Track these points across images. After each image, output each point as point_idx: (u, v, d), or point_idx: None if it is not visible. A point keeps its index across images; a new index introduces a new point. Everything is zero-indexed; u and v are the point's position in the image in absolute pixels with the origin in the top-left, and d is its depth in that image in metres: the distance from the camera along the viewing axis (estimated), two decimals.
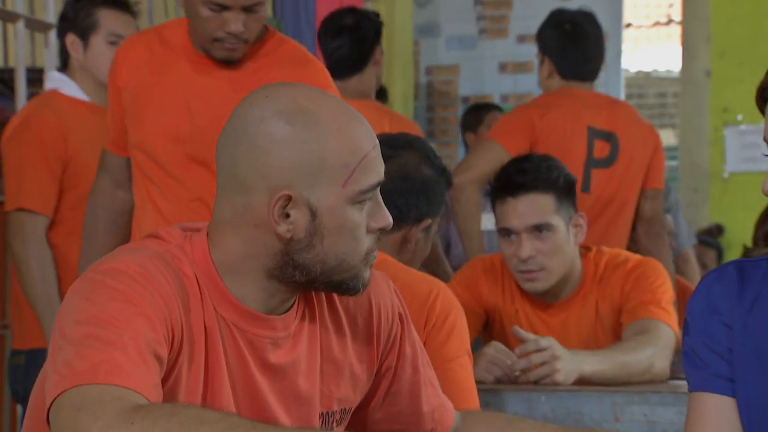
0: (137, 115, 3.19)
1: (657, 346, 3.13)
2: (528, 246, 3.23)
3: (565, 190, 3.30)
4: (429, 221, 2.90)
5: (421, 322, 2.61)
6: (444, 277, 4.05)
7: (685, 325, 1.75)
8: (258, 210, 1.77)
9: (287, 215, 1.76)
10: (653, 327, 3.18)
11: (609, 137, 4.38)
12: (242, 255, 1.80)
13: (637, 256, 3.48)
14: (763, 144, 1.64)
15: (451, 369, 2.59)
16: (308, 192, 1.76)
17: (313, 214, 1.77)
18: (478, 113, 6.46)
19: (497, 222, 3.32)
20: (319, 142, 1.77)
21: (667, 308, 3.24)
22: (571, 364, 3.01)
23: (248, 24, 3.05)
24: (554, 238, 3.26)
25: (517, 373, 3.03)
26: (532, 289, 3.33)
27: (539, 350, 3.00)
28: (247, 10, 3.03)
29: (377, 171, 1.83)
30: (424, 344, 2.60)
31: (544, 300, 3.38)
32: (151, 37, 3.26)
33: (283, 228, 1.76)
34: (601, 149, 4.36)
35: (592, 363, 3.04)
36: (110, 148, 3.34)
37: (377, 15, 4.65)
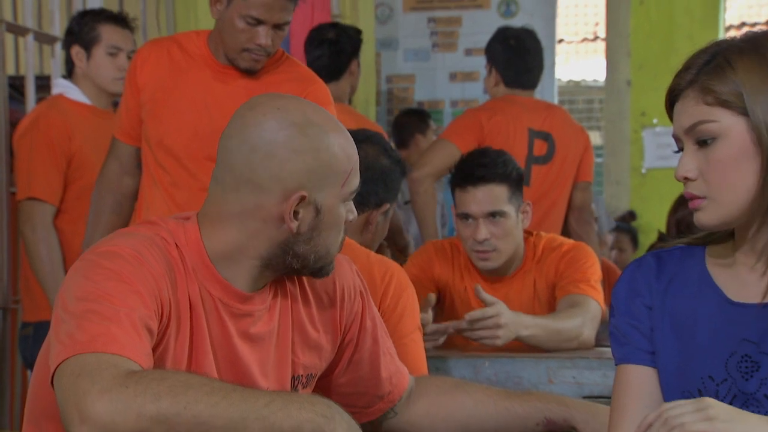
0: (156, 112, 3.16)
1: (585, 317, 3.15)
2: (484, 230, 3.24)
3: (516, 182, 3.31)
4: (387, 206, 2.90)
5: (376, 304, 2.61)
6: (405, 245, 4.07)
7: (611, 309, 1.76)
8: (269, 208, 1.78)
9: (296, 213, 1.78)
10: (583, 301, 3.20)
11: (546, 137, 4.40)
12: (241, 245, 1.80)
13: (571, 241, 3.51)
14: (675, 144, 1.65)
15: (405, 344, 2.59)
16: (316, 193, 1.79)
17: (317, 211, 1.80)
18: (419, 117, 6.44)
19: (457, 207, 3.33)
20: (326, 151, 1.79)
21: (595, 286, 3.27)
22: (510, 330, 3.01)
23: (274, 39, 3.08)
24: (506, 223, 3.27)
25: (450, 330, 3.07)
26: (484, 267, 3.33)
27: (485, 318, 3.00)
28: (276, 27, 3.06)
29: (359, 174, 1.87)
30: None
31: (491, 276, 3.39)
32: (170, 44, 3.24)
33: (293, 224, 1.77)
34: (539, 148, 4.39)
35: (530, 327, 3.04)
36: (122, 137, 3.30)
37: (358, 32, 4.64)
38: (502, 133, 4.28)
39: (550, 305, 3.34)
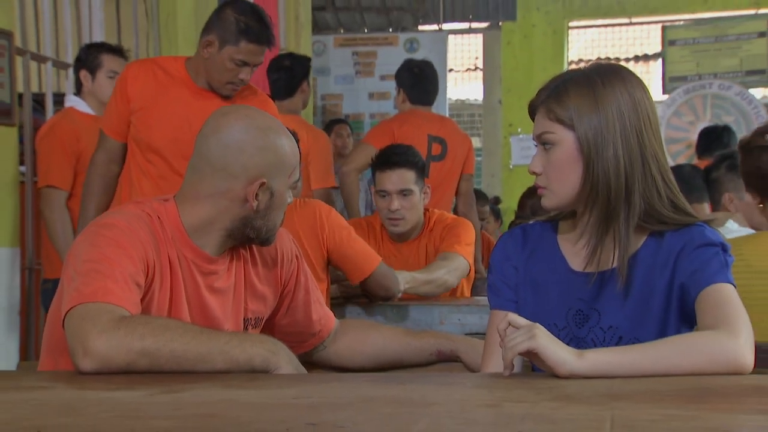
0: (144, 119, 3.08)
1: (449, 268, 3.23)
2: (396, 203, 3.30)
3: (421, 169, 3.38)
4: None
5: (319, 235, 2.80)
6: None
7: (489, 268, 1.78)
8: (237, 190, 1.77)
9: (256, 195, 1.77)
10: (451, 256, 3.27)
11: (441, 141, 4.45)
12: (212, 219, 1.79)
13: (455, 217, 3.57)
14: (533, 146, 1.67)
15: (352, 247, 2.80)
16: (272, 181, 1.78)
17: (272, 195, 1.79)
18: (328, 125, 6.45)
19: (376, 185, 3.38)
20: (281, 149, 1.79)
21: (464, 247, 3.33)
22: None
23: (250, 75, 3.07)
24: (413, 199, 3.33)
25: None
26: (394, 231, 3.39)
27: None
28: (254, 66, 3.05)
29: (299, 169, 1.87)
30: (329, 248, 2.82)
31: (398, 241, 3.43)
32: (154, 66, 3.15)
33: (254, 203, 1.77)
34: (436, 149, 4.43)
35: (408, 282, 3.10)
36: (111, 134, 3.16)
37: (308, 59, 4.61)
38: (408, 137, 4.31)
39: None
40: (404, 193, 3.29)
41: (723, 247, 1.57)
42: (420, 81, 4.55)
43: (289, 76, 4.38)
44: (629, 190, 1.57)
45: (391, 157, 3.33)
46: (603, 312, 1.62)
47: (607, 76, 1.60)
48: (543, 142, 1.62)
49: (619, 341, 1.60)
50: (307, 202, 2.82)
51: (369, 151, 4.28)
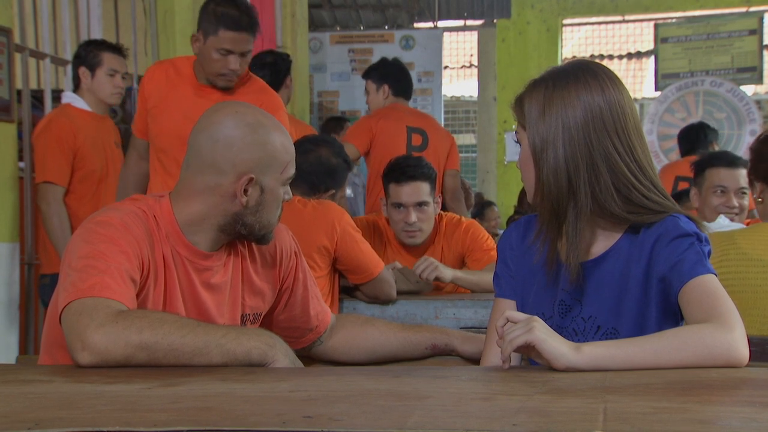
0: (155, 117, 3.18)
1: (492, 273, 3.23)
2: (413, 215, 3.29)
3: (434, 181, 3.36)
4: (333, 191, 3.02)
5: (330, 236, 2.83)
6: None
7: (497, 257, 1.78)
8: (226, 186, 1.76)
9: (246, 191, 1.76)
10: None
11: (421, 132, 4.51)
12: (204, 215, 1.78)
13: (463, 219, 3.56)
14: None
15: (360, 250, 2.84)
16: (262, 177, 1.77)
17: (262, 191, 1.78)
18: (338, 122, 6.47)
19: (391, 198, 3.35)
20: (271, 145, 1.77)
21: (494, 254, 3.32)
22: (446, 271, 3.13)
23: (241, 64, 3.10)
24: (428, 210, 3.32)
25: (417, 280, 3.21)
26: (412, 243, 3.39)
27: (426, 265, 3.14)
28: (242, 55, 3.08)
29: (294, 165, 1.85)
30: (338, 249, 2.87)
31: (409, 247, 3.43)
32: (168, 66, 3.25)
33: (243, 199, 1.76)
34: (416, 140, 4.50)
35: (462, 273, 3.18)
36: (137, 134, 3.32)
37: (288, 56, 4.67)
38: (387, 131, 4.39)
39: (454, 267, 3.36)
40: (420, 204, 3.29)
41: (698, 237, 1.57)
42: (405, 75, 4.67)
43: (272, 72, 4.40)
44: (573, 190, 1.58)
45: (406, 170, 3.31)
46: (584, 302, 1.64)
47: (562, 79, 1.61)
48: (516, 140, 1.66)
49: (598, 331, 1.61)
50: (322, 202, 2.84)
51: (349, 149, 4.33)
